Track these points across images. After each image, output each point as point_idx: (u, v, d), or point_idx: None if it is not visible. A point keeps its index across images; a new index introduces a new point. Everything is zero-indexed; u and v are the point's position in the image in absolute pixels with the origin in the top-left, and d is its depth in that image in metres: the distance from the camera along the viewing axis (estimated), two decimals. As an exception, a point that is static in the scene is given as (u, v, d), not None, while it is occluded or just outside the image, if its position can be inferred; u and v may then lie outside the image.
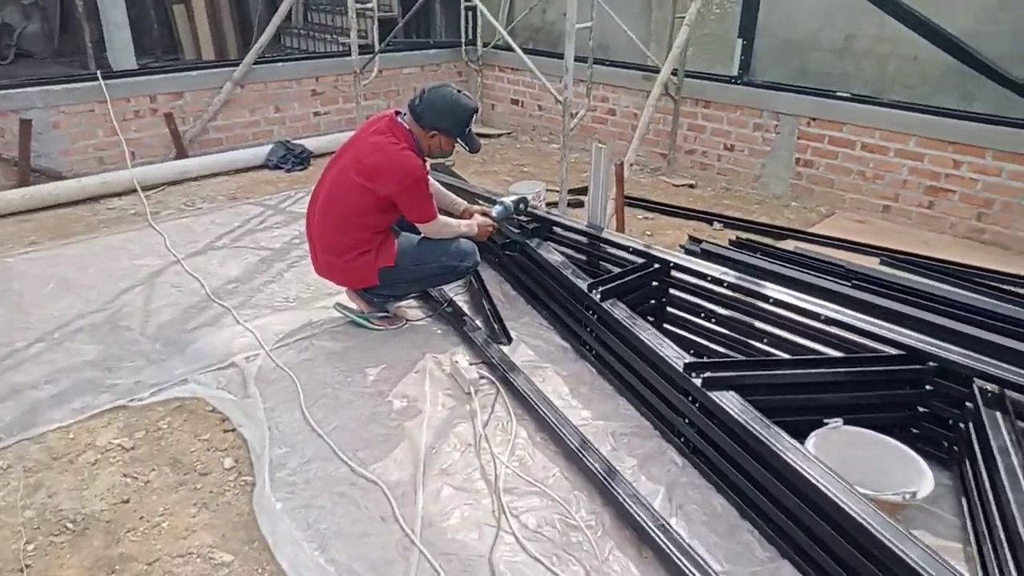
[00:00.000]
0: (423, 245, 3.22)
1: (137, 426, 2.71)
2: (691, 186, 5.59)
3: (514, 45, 4.72)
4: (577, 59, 4.13)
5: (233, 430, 2.69)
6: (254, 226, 4.59)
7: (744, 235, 4.53)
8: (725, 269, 3.08)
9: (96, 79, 5.12)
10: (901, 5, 4.57)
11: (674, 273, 3.20)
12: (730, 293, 3.01)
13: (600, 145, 3.35)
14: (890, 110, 4.76)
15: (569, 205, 4.62)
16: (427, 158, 3.17)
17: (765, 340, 2.92)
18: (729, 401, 2.31)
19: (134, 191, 5.00)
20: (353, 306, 3.39)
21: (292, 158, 5.79)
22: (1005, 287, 3.70)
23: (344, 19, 7.95)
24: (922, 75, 5.24)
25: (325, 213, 3.14)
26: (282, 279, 3.90)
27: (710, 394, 2.36)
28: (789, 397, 2.47)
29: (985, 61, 4.44)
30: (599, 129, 6.31)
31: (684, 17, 5.27)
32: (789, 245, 4.37)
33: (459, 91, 3.11)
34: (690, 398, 2.47)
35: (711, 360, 2.46)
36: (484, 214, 3.52)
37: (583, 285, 3.08)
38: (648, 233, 4.66)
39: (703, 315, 3.11)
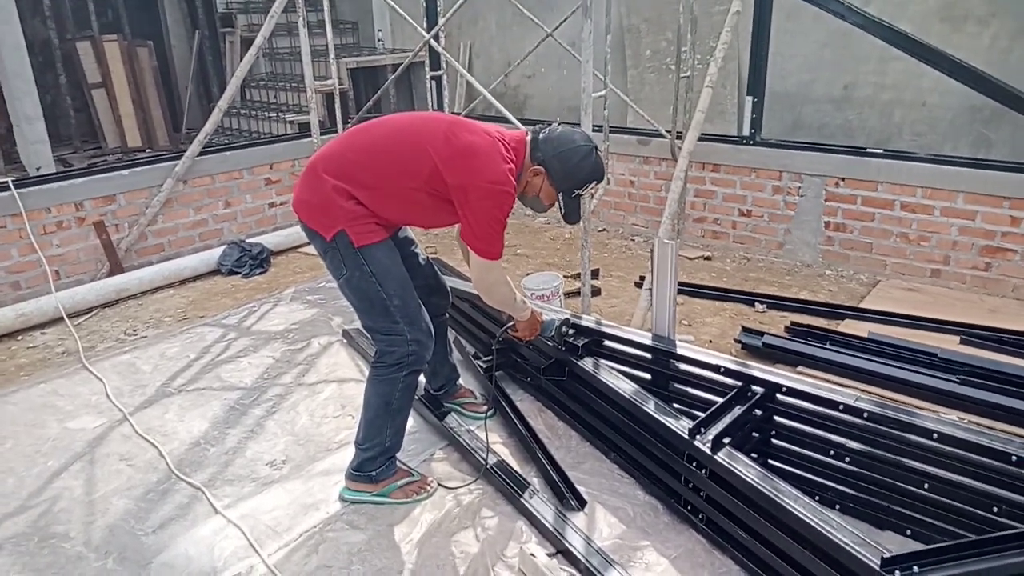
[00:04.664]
0: (396, 275, 2.41)
1: None
2: (707, 258, 5.01)
3: (505, 112, 4.09)
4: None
5: None
6: (215, 356, 3.73)
7: (794, 317, 3.95)
8: (858, 395, 2.42)
9: (8, 188, 4.22)
10: (933, 49, 4.14)
11: (781, 397, 2.54)
12: (868, 424, 2.36)
13: (667, 241, 2.69)
14: (931, 165, 4.29)
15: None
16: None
17: (926, 486, 2.26)
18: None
19: (61, 320, 4.09)
20: (362, 492, 2.58)
21: (249, 260, 4.96)
22: None
23: (288, 95, 7.31)
24: (932, 121, 4.86)
25: (373, 147, 2.38)
26: (263, 432, 3.06)
27: (934, 608, 1.67)
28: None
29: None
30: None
31: (688, 77, 4.79)
32: (853, 326, 3.81)
33: (595, 149, 2.44)
34: (893, 606, 1.77)
35: (922, 552, 1.77)
36: None
37: (681, 429, 2.37)
38: (685, 322, 4.01)
39: (831, 453, 2.44)
